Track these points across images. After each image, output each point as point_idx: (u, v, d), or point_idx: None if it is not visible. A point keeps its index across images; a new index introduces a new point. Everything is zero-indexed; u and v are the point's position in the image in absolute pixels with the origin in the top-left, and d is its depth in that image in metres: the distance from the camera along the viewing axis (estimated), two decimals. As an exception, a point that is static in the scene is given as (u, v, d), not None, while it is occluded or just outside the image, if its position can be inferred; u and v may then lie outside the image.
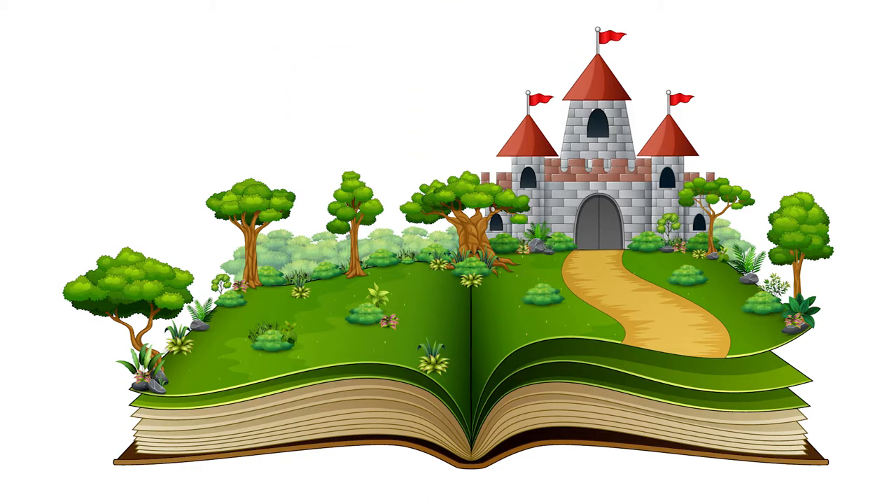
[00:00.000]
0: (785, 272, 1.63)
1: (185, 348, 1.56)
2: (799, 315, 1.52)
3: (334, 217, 1.76)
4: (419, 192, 1.79)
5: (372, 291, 1.63)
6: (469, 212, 1.77)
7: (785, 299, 1.59)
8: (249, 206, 1.70)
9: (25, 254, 1.85)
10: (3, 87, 1.80)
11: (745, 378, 1.50)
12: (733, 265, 1.81)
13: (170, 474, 1.45)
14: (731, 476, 1.43)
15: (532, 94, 1.92)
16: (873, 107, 2.00)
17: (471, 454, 1.40)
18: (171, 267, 1.49)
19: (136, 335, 1.49)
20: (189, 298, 1.52)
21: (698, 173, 1.93)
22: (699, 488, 1.36)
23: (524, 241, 1.88)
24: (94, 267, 1.47)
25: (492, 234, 1.90)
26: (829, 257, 1.61)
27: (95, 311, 1.47)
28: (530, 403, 1.51)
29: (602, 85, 1.93)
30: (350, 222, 1.76)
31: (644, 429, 1.51)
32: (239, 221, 1.72)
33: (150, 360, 1.49)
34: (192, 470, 1.47)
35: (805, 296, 1.56)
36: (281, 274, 1.76)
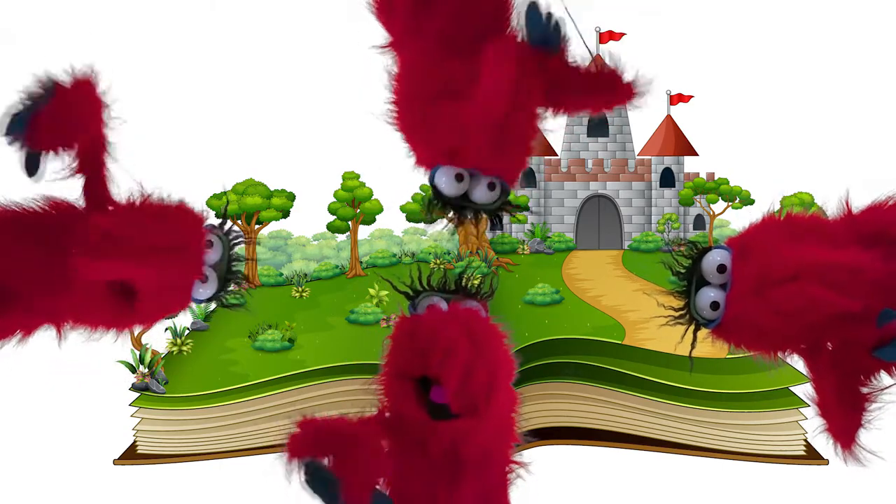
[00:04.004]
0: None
1: (185, 348, 1.56)
2: None
3: (334, 217, 1.76)
4: (419, 192, 1.79)
5: (372, 291, 1.63)
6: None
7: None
8: (249, 206, 1.70)
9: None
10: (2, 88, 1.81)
11: (745, 378, 1.50)
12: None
13: (170, 474, 1.45)
14: (731, 476, 1.43)
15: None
16: (874, 106, 2.00)
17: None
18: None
19: (136, 335, 1.49)
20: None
21: (698, 173, 1.93)
22: (699, 488, 1.36)
23: (524, 241, 1.88)
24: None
25: (492, 234, 1.90)
26: (828, 257, 1.61)
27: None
28: (530, 403, 1.51)
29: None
30: (350, 222, 1.76)
31: (644, 429, 1.51)
32: (239, 221, 1.72)
33: (150, 360, 1.49)
34: (192, 470, 1.47)
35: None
36: (281, 274, 1.77)
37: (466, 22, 0.96)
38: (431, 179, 0.99)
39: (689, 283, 0.96)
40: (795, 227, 0.94)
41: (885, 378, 0.93)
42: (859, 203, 0.95)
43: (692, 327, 0.97)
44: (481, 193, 0.98)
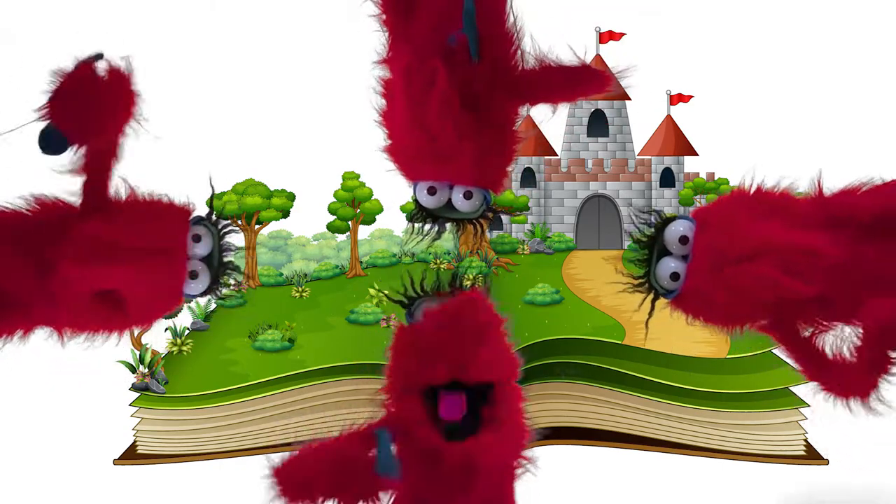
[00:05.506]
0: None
1: (185, 348, 1.56)
2: None
3: (334, 217, 1.76)
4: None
5: (372, 291, 1.63)
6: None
7: None
8: (249, 206, 1.70)
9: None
10: (2, 88, 1.81)
11: (745, 378, 1.50)
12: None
13: (170, 474, 1.45)
14: (731, 476, 1.43)
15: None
16: (874, 106, 2.00)
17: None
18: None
19: (136, 335, 1.49)
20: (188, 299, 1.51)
21: (698, 173, 1.93)
22: (699, 488, 1.36)
23: (524, 241, 1.88)
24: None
25: (492, 234, 1.90)
26: (829, 257, 1.61)
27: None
28: (530, 403, 1.50)
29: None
30: (350, 222, 1.76)
31: (644, 429, 1.51)
32: (239, 222, 1.72)
33: (150, 360, 1.49)
34: (192, 470, 1.47)
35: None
36: (281, 274, 1.76)
37: (450, 28, 0.96)
38: (413, 193, 1.01)
39: (650, 252, 0.95)
40: (763, 203, 0.93)
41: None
42: (832, 185, 0.95)
43: (651, 296, 0.97)
44: (459, 203, 0.99)
